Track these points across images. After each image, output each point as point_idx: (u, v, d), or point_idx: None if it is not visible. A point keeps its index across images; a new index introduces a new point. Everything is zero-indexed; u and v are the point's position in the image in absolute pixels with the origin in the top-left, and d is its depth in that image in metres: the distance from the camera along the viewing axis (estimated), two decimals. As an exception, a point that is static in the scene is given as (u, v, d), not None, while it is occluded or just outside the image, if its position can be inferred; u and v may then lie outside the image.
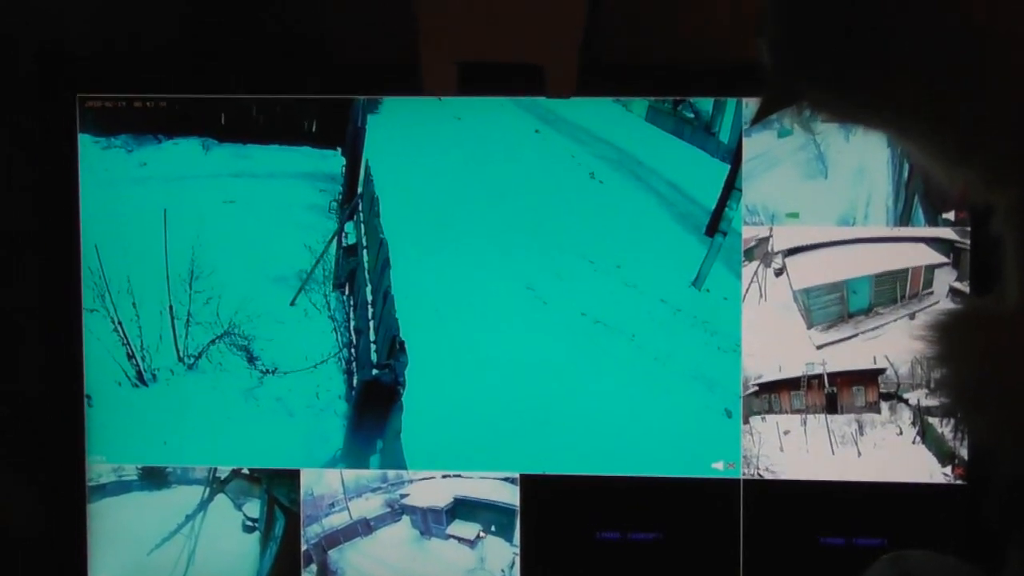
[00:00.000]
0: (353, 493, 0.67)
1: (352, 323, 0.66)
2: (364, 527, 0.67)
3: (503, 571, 0.67)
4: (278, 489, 0.67)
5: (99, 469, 0.68)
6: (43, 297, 0.68)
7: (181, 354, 0.67)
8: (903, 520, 0.65)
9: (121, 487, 0.68)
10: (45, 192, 0.67)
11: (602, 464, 0.65)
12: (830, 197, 0.64)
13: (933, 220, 0.64)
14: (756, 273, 0.65)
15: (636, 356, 0.65)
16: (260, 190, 0.66)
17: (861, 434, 0.65)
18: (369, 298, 0.66)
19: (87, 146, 0.66)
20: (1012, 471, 0.50)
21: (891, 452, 0.64)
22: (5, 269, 0.70)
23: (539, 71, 0.63)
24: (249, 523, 0.67)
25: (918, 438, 0.65)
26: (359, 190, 0.66)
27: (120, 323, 0.67)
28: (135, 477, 0.68)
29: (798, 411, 0.65)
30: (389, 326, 0.66)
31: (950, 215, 0.64)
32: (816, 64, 0.49)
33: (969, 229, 0.64)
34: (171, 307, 0.66)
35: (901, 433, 0.65)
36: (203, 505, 0.67)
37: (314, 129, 0.66)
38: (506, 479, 0.66)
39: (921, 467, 0.64)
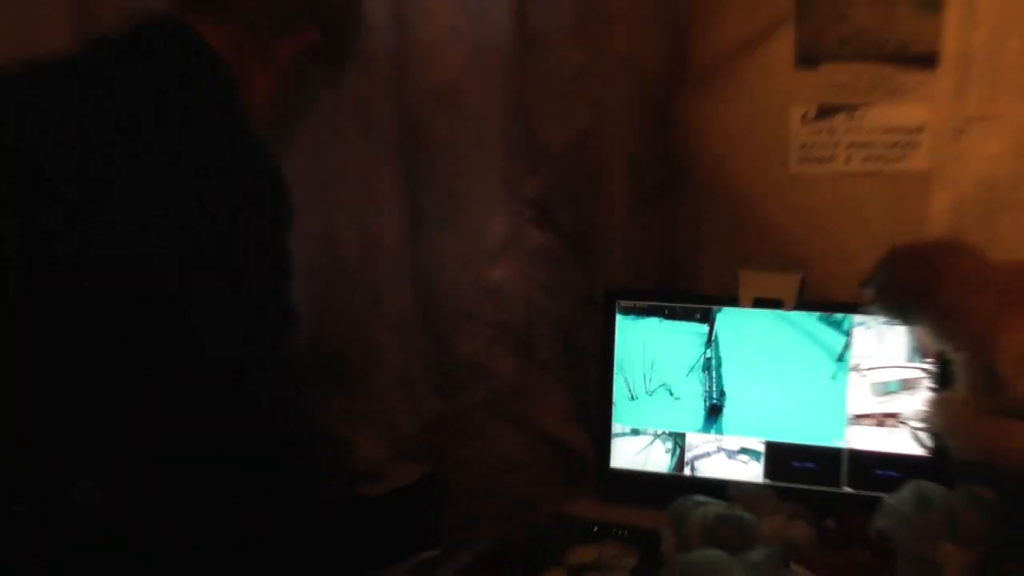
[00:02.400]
0: (701, 441, 1.72)
1: (709, 384, 1.72)
2: (705, 455, 1.72)
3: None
4: (669, 440, 1.73)
5: (617, 428, 1.77)
6: (603, 371, 1.78)
7: (647, 390, 1.74)
8: None
9: (624, 435, 1.76)
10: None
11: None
12: None
13: None
14: None
15: None
16: (677, 336, 1.72)
17: None
18: (714, 375, 1.71)
19: (620, 316, 1.76)
20: None
21: None
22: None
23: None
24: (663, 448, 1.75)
25: None
26: (713, 338, 1.71)
27: (626, 380, 1.76)
28: (628, 432, 1.76)
29: None
30: (721, 386, 1.71)
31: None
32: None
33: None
34: (643, 376, 1.75)
35: None
36: (652, 444, 1.75)
37: (699, 317, 1.72)
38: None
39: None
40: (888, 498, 1.42)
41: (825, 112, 1.73)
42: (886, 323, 1.47)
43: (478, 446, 1.88)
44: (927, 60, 1.66)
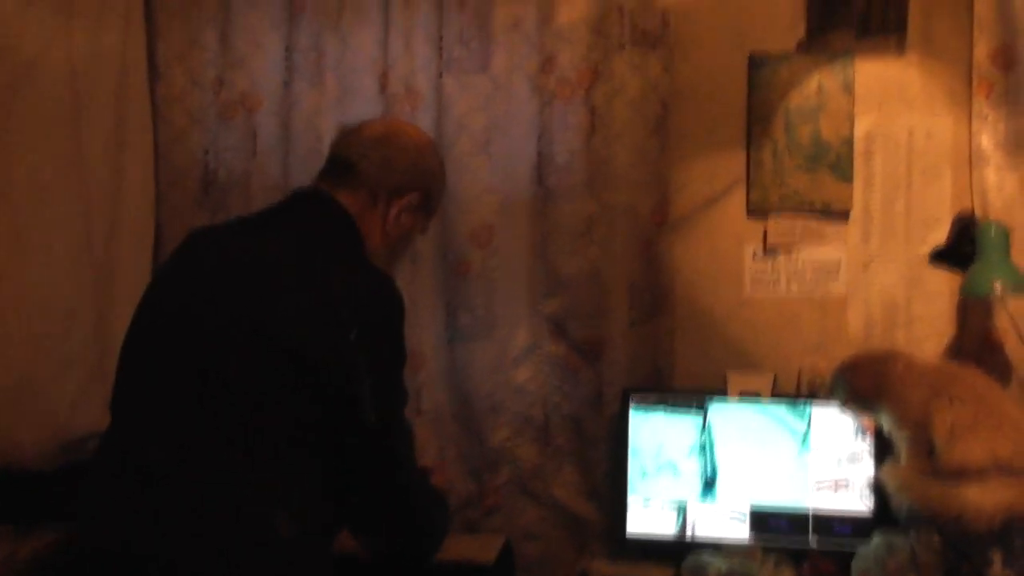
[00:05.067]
0: (700, 508, 1.85)
1: (704, 462, 1.85)
2: (703, 519, 1.85)
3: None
4: (674, 507, 1.85)
5: (631, 499, 1.87)
6: (619, 453, 1.88)
7: (656, 468, 1.86)
8: None
9: (637, 505, 1.87)
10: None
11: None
12: None
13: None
14: None
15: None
16: (678, 424, 1.86)
17: None
18: (708, 454, 1.85)
19: (632, 408, 1.88)
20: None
21: None
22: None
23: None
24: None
25: None
26: (706, 424, 1.86)
27: (638, 460, 1.87)
28: (641, 503, 1.87)
29: None
30: (714, 463, 1.84)
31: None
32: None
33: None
34: (652, 457, 1.87)
35: None
36: (660, 512, 1.86)
37: (695, 407, 1.86)
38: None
39: None
40: (861, 548, 1.61)
41: (770, 251, 1.96)
42: (844, 414, 1.68)
43: (504, 518, 1.93)
44: (842, 215, 1.95)
